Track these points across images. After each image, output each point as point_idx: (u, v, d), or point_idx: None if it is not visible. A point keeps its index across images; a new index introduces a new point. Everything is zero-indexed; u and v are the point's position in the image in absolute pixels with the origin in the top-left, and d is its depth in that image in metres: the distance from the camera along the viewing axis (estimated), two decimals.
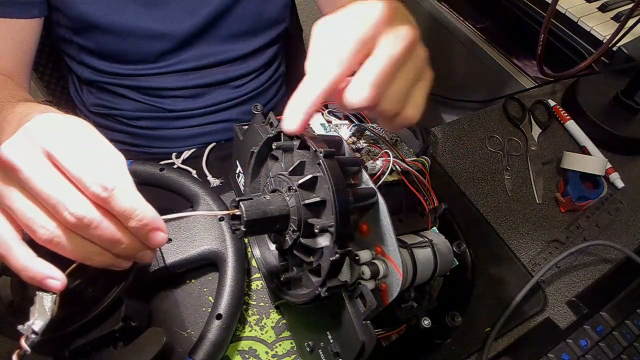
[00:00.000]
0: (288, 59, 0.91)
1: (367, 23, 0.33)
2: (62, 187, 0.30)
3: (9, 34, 0.62)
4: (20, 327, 0.32)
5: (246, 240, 0.54)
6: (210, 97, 0.77)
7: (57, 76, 0.86)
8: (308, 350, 0.45)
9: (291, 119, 0.34)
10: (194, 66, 0.72)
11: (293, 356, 0.50)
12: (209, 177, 0.67)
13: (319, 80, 0.33)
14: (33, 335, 0.32)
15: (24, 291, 0.38)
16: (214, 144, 0.73)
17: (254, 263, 0.56)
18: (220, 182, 0.67)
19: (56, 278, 0.32)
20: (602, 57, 0.84)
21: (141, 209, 0.32)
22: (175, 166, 0.70)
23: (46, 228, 0.30)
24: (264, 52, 0.79)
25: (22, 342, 0.32)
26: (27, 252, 0.31)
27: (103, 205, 0.31)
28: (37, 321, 0.33)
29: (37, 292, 0.33)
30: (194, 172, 0.68)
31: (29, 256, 0.31)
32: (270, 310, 0.53)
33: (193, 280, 0.53)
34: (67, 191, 0.30)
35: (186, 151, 0.73)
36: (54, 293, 0.33)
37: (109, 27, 0.65)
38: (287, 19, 0.81)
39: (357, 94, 0.33)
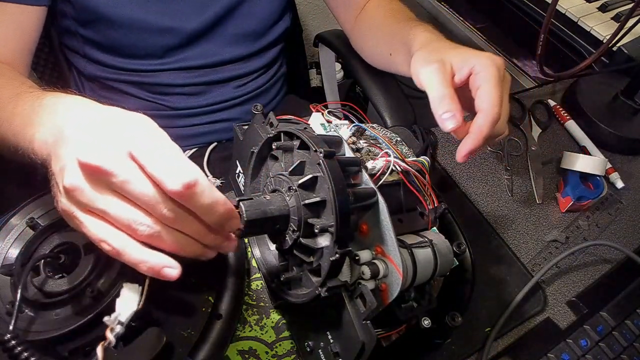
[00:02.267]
0: (288, 59, 0.91)
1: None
2: (154, 187, 0.31)
3: (12, 19, 0.61)
4: (106, 318, 0.33)
5: (246, 240, 0.54)
6: (212, 96, 0.77)
7: (57, 76, 0.86)
8: (308, 350, 0.45)
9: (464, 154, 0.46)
10: (199, 64, 0.73)
11: (293, 356, 0.50)
12: (210, 177, 0.67)
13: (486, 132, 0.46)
14: (118, 327, 0.33)
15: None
16: (215, 143, 0.73)
17: (254, 263, 0.56)
18: (221, 182, 0.67)
19: (173, 266, 0.33)
20: (602, 57, 0.84)
21: (223, 201, 0.33)
22: None
23: (146, 225, 0.32)
24: (266, 52, 0.79)
25: (108, 333, 0.32)
26: (140, 246, 0.32)
27: (189, 201, 0.32)
28: (123, 312, 0.33)
29: (122, 284, 0.34)
30: None
31: (143, 249, 0.32)
32: (270, 310, 0.53)
33: (193, 280, 0.53)
34: (159, 189, 0.31)
35: (187, 151, 0.73)
36: (139, 284, 0.34)
37: (117, 20, 0.65)
38: (288, 19, 0.81)
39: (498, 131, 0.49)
